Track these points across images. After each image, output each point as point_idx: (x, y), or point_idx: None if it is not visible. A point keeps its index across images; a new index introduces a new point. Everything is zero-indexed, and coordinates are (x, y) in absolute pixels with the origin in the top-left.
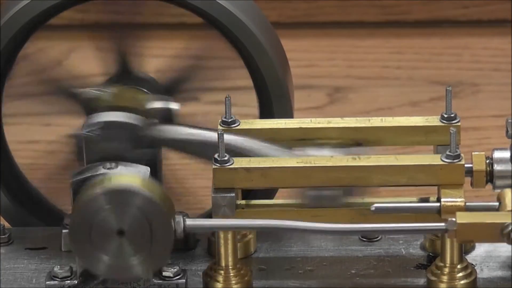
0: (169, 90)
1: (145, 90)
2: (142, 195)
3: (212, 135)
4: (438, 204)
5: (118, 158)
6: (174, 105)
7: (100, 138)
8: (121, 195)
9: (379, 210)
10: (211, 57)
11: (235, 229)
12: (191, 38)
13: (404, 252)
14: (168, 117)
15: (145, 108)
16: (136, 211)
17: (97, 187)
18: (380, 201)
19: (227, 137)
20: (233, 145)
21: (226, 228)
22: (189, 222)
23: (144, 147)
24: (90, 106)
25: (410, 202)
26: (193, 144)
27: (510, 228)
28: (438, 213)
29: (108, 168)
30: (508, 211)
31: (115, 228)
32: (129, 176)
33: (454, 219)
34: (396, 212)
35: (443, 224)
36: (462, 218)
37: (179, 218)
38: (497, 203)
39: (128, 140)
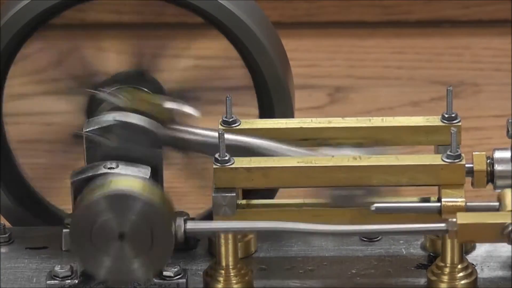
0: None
1: (146, 90)
2: (142, 199)
3: (228, 137)
4: (438, 204)
5: (121, 158)
6: (189, 109)
7: (107, 139)
8: (121, 200)
9: (379, 210)
10: (212, 56)
11: (235, 232)
12: (189, 37)
13: (404, 252)
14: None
15: (161, 111)
16: (136, 215)
17: (98, 192)
18: (380, 201)
19: (246, 139)
20: (249, 147)
21: (226, 231)
22: (190, 225)
23: (158, 148)
24: (100, 107)
25: (411, 202)
26: (212, 145)
27: (510, 228)
28: (439, 213)
29: (109, 168)
30: (508, 211)
31: (116, 232)
32: (130, 180)
33: (454, 219)
34: (396, 212)
35: (443, 224)
36: (462, 218)
37: (179, 222)
38: (497, 203)
39: (142, 142)
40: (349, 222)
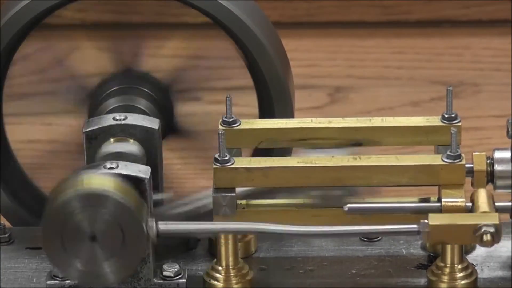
0: (169, 88)
1: (146, 90)
2: (113, 198)
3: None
4: (439, 204)
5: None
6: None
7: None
8: (92, 199)
9: (352, 211)
10: (212, 56)
11: (210, 233)
12: (191, 37)
13: (404, 252)
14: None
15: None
16: (107, 215)
17: (69, 190)
18: (379, 201)
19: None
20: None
21: (200, 232)
22: (162, 226)
23: None
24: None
25: (411, 202)
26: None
27: (482, 230)
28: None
29: (109, 168)
30: (481, 212)
31: (87, 233)
32: (102, 178)
33: (426, 221)
34: (370, 212)
35: (415, 226)
36: (434, 219)
37: (151, 223)
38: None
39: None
40: (348, 222)
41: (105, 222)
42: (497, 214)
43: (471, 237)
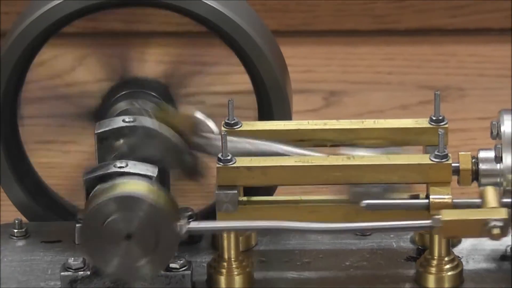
0: (173, 92)
1: (154, 94)
2: (148, 202)
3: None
4: (427, 201)
5: (130, 157)
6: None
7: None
8: (128, 202)
9: (370, 207)
10: (215, 63)
11: (236, 231)
12: (193, 45)
13: (395, 246)
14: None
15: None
16: (142, 216)
17: (107, 194)
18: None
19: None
20: (258, 149)
21: (228, 230)
22: (193, 225)
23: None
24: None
25: (401, 199)
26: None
27: (492, 224)
28: (427, 210)
29: (119, 167)
30: (490, 207)
31: (123, 232)
32: (137, 183)
33: (440, 216)
34: (386, 208)
35: (429, 221)
36: (447, 215)
37: (183, 222)
38: (481, 200)
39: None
40: (342, 218)
41: (140, 223)
42: (505, 209)
43: (481, 231)
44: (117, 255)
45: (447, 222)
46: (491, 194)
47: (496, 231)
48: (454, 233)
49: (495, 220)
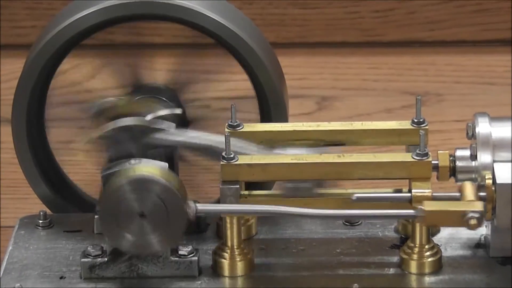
0: (178, 95)
1: (160, 98)
2: (161, 183)
3: (213, 139)
4: (409, 194)
5: (140, 156)
6: (177, 111)
7: (116, 139)
8: (142, 183)
9: (360, 200)
10: (220, 71)
11: (239, 214)
12: (201, 55)
13: (380, 235)
14: (180, 122)
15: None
16: (155, 197)
17: (122, 177)
18: (361, 192)
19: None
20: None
21: (231, 213)
22: (200, 206)
23: (153, 147)
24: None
25: (386, 192)
26: (196, 147)
27: (469, 216)
28: (410, 202)
29: (133, 164)
30: (468, 200)
31: (137, 211)
32: (150, 167)
33: (422, 207)
34: (374, 201)
35: (413, 211)
36: (429, 206)
37: (191, 203)
38: (458, 194)
39: (138, 141)
40: (334, 209)
41: (153, 203)
42: (481, 202)
43: (460, 221)
44: (131, 232)
45: (429, 212)
46: (469, 188)
47: (473, 221)
48: (435, 222)
49: (473, 211)
